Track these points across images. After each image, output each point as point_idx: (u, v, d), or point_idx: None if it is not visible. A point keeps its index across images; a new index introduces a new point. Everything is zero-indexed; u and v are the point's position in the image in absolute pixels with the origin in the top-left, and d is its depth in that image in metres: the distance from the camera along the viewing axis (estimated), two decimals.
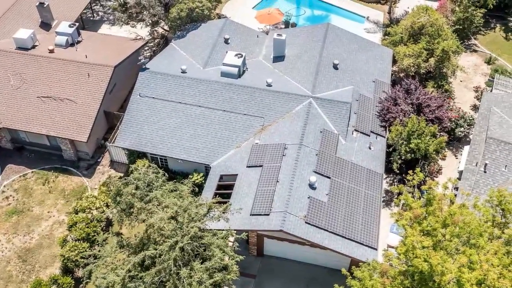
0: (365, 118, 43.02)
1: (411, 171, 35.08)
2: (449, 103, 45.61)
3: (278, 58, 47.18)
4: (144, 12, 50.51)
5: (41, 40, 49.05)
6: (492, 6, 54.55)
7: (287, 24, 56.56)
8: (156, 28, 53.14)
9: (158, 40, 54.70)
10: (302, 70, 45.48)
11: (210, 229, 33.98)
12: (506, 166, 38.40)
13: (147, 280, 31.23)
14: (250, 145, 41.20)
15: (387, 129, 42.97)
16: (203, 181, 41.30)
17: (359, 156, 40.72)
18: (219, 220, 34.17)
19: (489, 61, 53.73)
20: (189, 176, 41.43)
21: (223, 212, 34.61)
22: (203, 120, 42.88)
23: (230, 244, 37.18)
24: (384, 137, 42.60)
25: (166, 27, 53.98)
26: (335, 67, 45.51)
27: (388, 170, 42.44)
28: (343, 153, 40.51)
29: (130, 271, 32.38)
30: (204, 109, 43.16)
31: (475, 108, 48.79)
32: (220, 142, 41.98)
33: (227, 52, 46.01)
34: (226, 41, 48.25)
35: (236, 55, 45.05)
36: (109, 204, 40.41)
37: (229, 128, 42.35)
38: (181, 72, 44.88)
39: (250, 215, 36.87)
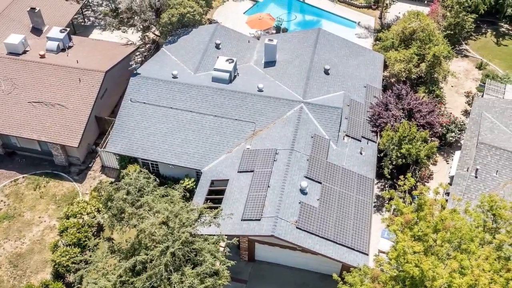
0: (356, 123, 43.08)
1: (402, 176, 35.19)
2: (440, 108, 45.77)
3: (270, 63, 47.23)
4: (135, 18, 50.50)
5: (32, 45, 48.94)
6: (483, 12, 54.88)
7: (278, 29, 56.66)
8: (147, 33, 53.11)
9: (149, 45, 54.63)
10: (293, 76, 45.53)
11: (201, 234, 33.92)
12: (497, 171, 38.52)
13: (138, 286, 31.09)
14: (241, 150, 41.16)
15: (378, 134, 43.06)
16: (194, 186, 41.20)
17: (350, 161, 40.76)
18: (210, 225, 34.12)
19: (480, 66, 54.01)
20: (180, 181, 41.20)
21: (214, 217, 34.56)
22: (194, 125, 42.83)
23: (221, 249, 37.11)
24: (375, 142, 42.67)
25: (157, 32, 53.94)
26: (326, 72, 45.58)
27: (379, 175, 42.48)
28: (334, 158, 40.54)
29: (121, 276, 32.27)
30: (195, 114, 43.11)
31: (466, 113, 49.00)
32: (211, 147, 41.94)
33: (218, 57, 45.97)
34: (217, 46, 48.26)
35: (227, 60, 45.03)
36: (100, 209, 40.28)
37: (220, 133, 42.31)
38: (172, 77, 44.81)
39: (241, 220, 36.81)
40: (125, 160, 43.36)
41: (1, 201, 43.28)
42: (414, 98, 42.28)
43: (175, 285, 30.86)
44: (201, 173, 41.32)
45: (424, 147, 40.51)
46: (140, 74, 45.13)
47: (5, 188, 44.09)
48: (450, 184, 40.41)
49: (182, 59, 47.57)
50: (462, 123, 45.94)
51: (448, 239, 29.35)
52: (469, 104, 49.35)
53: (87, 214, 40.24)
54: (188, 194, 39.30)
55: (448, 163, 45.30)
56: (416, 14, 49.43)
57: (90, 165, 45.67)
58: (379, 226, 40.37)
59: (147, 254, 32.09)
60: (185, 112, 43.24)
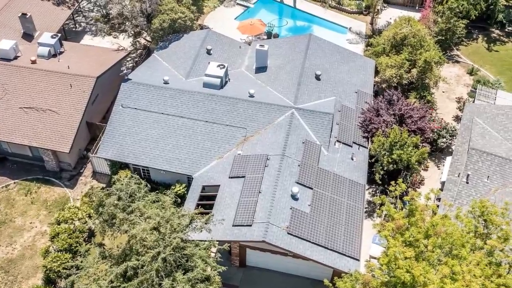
0: (348, 129, 43.15)
1: (394, 182, 35.27)
2: (431, 114, 45.91)
3: (261, 69, 47.31)
4: (127, 23, 50.50)
5: (24, 51, 48.75)
6: (474, 17, 55.17)
7: (269, 35, 56.74)
8: (138, 39, 53.04)
9: (140, 50, 54.49)
10: (285, 81, 45.60)
11: (193, 240, 33.87)
12: (488, 176, 38.68)
13: None
14: (233, 156, 41.14)
15: (369, 140, 43.16)
16: (185, 192, 41.17)
17: (341, 167, 40.81)
18: (201, 231, 34.10)
19: (471, 72, 54.25)
20: (172, 187, 41.29)
21: (206, 223, 34.52)
22: (186, 131, 42.80)
23: (213, 255, 37.05)
24: (366, 148, 42.76)
25: (148, 38, 53.92)
26: (318, 78, 45.67)
27: (371, 181, 42.49)
28: (326, 164, 40.56)
29: (112, 282, 32.19)
30: (187, 120, 43.08)
31: (457, 119, 49.17)
32: (202, 153, 41.89)
33: (209, 63, 45.96)
34: (209, 52, 48.26)
35: (219, 65, 45.05)
36: (91, 214, 40.15)
37: (211, 139, 42.29)
38: (164, 83, 44.76)
39: (233, 225, 36.77)
40: (116, 166, 43.24)
41: None
42: (405, 103, 42.40)
43: None
44: (192, 178, 41.30)
45: (415, 152, 40.59)
46: (131, 79, 45.11)
47: None
48: (442, 189, 40.52)
49: (174, 65, 47.59)
50: (453, 129, 46.11)
51: (439, 245, 29.36)
52: (460, 110, 49.54)
53: (79, 219, 40.16)
54: (179, 200, 39.40)
55: (439, 169, 45.42)
56: (407, 20, 49.63)
57: (81, 171, 45.52)
58: (370, 231, 40.32)
59: (138, 260, 32.04)
60: (177, 117, 43.19)
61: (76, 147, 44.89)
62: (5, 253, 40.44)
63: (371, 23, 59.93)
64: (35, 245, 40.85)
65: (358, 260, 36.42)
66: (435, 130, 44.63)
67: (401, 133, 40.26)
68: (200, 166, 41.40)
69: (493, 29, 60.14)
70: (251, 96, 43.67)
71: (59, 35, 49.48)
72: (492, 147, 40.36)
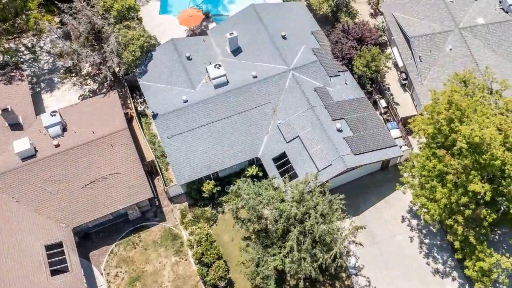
0: (329, 64, 55.76)
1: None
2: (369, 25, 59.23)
3: (236, 51, 56.31)
4: (102, 68, 54.18)
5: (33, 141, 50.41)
6: None
7: (207, 15, 63.52)
8: (103, 75, 55.35)
9: (107, 83, 56.59)
10: (264, 52, 55.75)
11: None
12: (430, 51, 55.59)
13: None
14: (276, 126, 51.99)
15: (347, 64, 56.08)
16: (258, 171, 51.55)
17: (345, 92, 54.36)
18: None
19: None
20: (245, 172, 51.30)
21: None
22: (229, 128, 51.85)
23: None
24: (347, 71, 56.21)
25: (117, 69, 56.56)
26: (284, 37, 56.70)
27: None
28: (336, 96, 53.73)
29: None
30: (223, 120, 52.02)
31: (372, 15, 63.98)
32: (252, 136, 51.77)
33: (206, 68, 53.71)
34: (189, 58, 55.32)
35: (215, 66, 53.28)
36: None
37: (251, 123, 52.15)
38: (184, 102, 52.09)
39: (318, 171, 49.15)
40: (191, 183, 50.89)
41: (117, 272, 48.99)
42: (362, 27, 55.98)
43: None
44: (255, 160, 51.60)
45: (380, 59, 54.95)
46: (157, 114, 51.36)
47: (110, 262, 49.47)
48: (404, 72, 57.23)
49: (170, 83, 54.21)
50: (383, 25, 61.53)
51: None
52: (372, 9, 64.28)
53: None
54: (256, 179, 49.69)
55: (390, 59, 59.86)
56: None
57: (157, 204, 52.32)
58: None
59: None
60: (215, 122, 51.81)
61: None
62: None
63: None
64: (179, 273, 48.63)
65: (397, 145, 52.22)
66: (377, 34, 58.83)
67: (369, 50, 54.51)
68: (258, 146, 51.65)
69: None
70: (255, 77, 53.54)
71: (57, 109, 51.66)
72: (418, 30, 56.89)
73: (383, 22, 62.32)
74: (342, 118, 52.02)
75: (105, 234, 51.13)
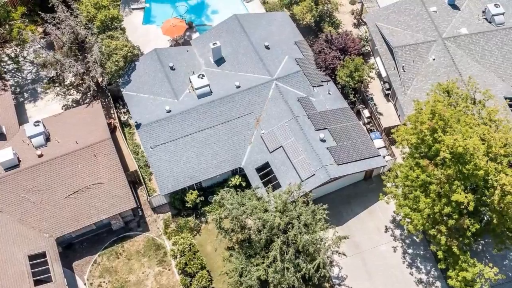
0: (312, 74, 56.06)
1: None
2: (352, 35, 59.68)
3: (219, 61, 56.54)
4: (86, 77, 54.07)
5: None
6: None
7: (190, 25, 63.72)
8: (87, 85, 55.19)
9: (90, 93, 56.76)
10: (247, 62, 55.99)
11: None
12: (414, 60, 56.02)
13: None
14: (259, 136, 52.16)
15: (330, 74, 56.32)
16: (241, 181, 51.63)
17: (328, 102, 54.62)
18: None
19: None
20: (228, 182, 51.42)
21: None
22: (212, 138, 51.99)
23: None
24: (331, 81, 56.50)
25: (100, 79, 56.49)
26: (267, 47, 56.92)
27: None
28: (319, 106, 53.98)
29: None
30: (207, 130, 52.17)
31: (355, 25, 64.37)
32: (235, 146, 51.98)
33: (189, 78, 53.90)
34: (172, 67, 55.46)
35: (199, 76, 53.48)
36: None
37: (235, 133, 52.34)
38: (167, 112, 52.18)
39: (301, 181, 49.26)
40: (175, 193, 50.94)
41: (101, 282, 48.85)
42: (345, 37, 56.30)
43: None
44: (238, 170, 51.76)
45: (363, 69, 55.33)
46: (141, 123, 51.37)
47: (93, 272, 49.33)
48: (387, 81, 57.56)
49: (153, 92, 54.35)
50: (366, 35, 61.90)
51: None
52: (356, 19, 64.72)
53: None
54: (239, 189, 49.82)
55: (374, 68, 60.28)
56: None
57: (140, 214, 52.19)
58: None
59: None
60: (198, 132, 51.92)
61: None
62: None
63: None
64: (162, 284, 48.58)
65: (380, 155, 52.50)
66: (360, 44, 59.36)
67: (352, 60, 54.83)
68: (241, 156, 51.79)
69: None
70: (238, 87, 53.74)
71: (41, 119, 51.63)
72: (401, 40, 57.29)
73: (366, 32, 62.60)
74: (325, 128, 52.21)
75: (88, 244, 50.98)
